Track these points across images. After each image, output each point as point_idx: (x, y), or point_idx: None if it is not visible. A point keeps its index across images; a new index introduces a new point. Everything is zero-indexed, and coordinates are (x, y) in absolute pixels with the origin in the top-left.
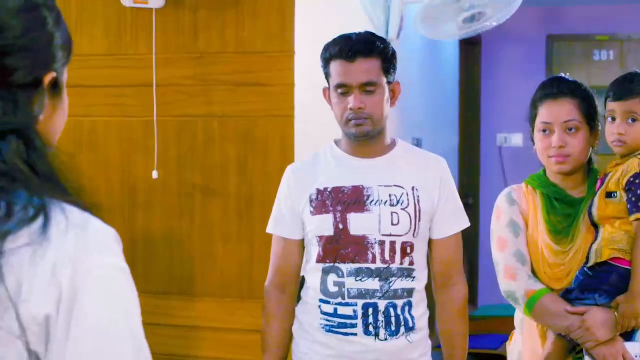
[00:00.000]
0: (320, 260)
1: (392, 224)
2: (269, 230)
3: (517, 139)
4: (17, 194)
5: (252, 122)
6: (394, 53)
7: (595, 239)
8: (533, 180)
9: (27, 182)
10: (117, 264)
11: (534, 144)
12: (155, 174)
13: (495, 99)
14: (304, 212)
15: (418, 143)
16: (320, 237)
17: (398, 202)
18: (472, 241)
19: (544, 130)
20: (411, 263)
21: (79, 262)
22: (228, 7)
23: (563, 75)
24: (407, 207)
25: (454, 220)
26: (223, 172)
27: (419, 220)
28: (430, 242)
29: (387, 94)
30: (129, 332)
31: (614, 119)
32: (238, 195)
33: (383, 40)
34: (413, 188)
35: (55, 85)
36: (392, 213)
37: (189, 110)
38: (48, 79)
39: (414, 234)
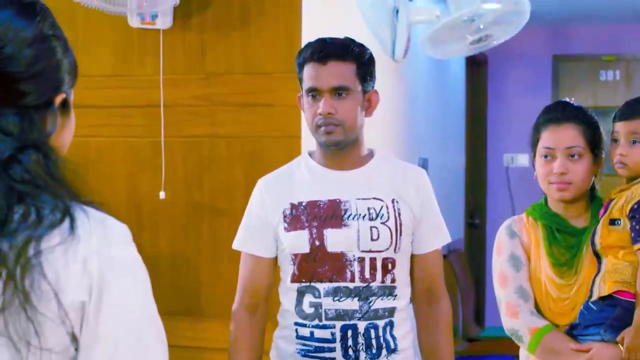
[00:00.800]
0: (295, 279)
1: (372, 239)
2: (235, 246)
3: (523, 159)
4: (42, 199)
5: (259, 143)
6: (371, 59)
7: (598, 270)
8: (534, 210)
9: (49, 188)
10: (134, 254)
11: (534, 169)
12: (162, 195)
13: (501, 119)
14: (278, 228)
15: (424, 163)
16: (295, 255)
17: (377, 216)
18: (479, 261)
19: (546, 156)
20: (393, 280)
21: (103, 254)
22: (235, 28)
23: (568, 100)
24: (387, 221)
25: (435, 234)
26: (230, 192)
27: (400, 235)
28: (411, 257)
29: (361, 102)
30: (150, 312)
31: (616, 141)
32: None
33: (360, 45)
34: (393, 200)
35: (64, 105)
36: (371, 227)
37: (196, 130)
38: (58, 99)
39: (395, 249)
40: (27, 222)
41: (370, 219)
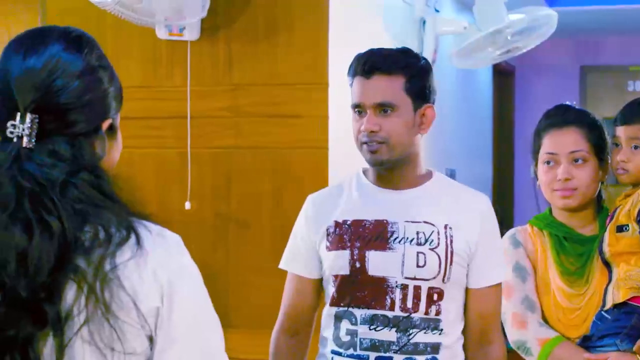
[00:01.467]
0: (334, 303)
1: (418, 266)
2: (281, 265)
3: None
4: (104, 217)
5: (286, 154)
6: (424, 71)
7: (610, 279)
8: (538, 220)
9: (106, 206)
10: (191, 260)
11: (537, 178)
12: (188, 205)
13: (528, 130)
14: (320, 247)
15: (452, 174)
16: (335, 277)
17: (426, 241)
18: None
19: (548, 162)
20: (438, 312)
21: (168, 264)
22: (262, 39)
23: (570, 103)
24: (436, 247)
25: (494, 268)
26: (256, 203)
27: (451, 264)
28: (466, 291)
29: (411, 118)
30: (212, 311)
31: (617, 145)
32: (272, 227)
33: (413, 57)
34: (446, 226)
35: (111, 128)
36: (418, 253)
37: (223, 141)
38: (105, 125)
39: (443, 279)
40: (98, 241)
41: (418, 244)
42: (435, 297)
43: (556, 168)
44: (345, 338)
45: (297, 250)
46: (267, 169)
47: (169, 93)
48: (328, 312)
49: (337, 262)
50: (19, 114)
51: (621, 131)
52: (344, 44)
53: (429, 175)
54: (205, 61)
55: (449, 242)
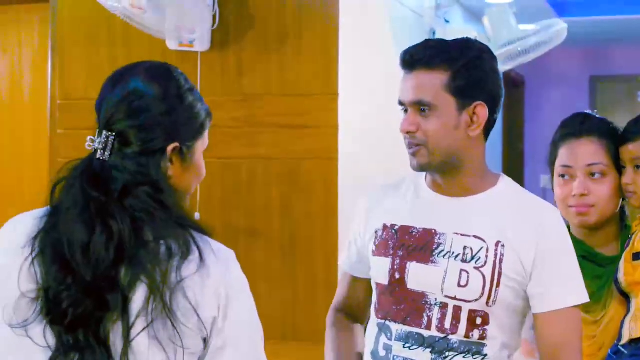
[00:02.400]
0: (376, 313)
1: (459, 285)
2: (339, 262)
3: None
4: (161, 227)
5: (296, 164)
6: (475, 65)
7: (628, 310)
8: None
9: (162, 217)
10: (242, 274)
11: (553, 191)
12: (197, 215)
13: (538, 140)
14: (369, 249)
15: None
16: (377, 285)
17: (472, 258)
18: None
19: (563, 175)
20: (482, 337)
21: (226, 278)
22: (272, 49)
23: (589, 111)
24: (482, 267)
25: (560, 290)
26: (267, 213)
27: (497, 286)
28: (534, 317)
29: (454, 119)
30: (257, 317)
31: (624, 167)
32: (281, 237)
33: (466, 48)
34: (497, 243)
35: (181, 152)
36: (461, 271)
37: (233, 151)
38: (170, 148)
39: (488, 302)
40: (162, 254)
41: (463, 261)
42: (478, 320)
43: (572, 182)
44: (382, 353)
45: (349, 247)
46: (276, 179)
47: None
48: (372, 320)
49: (379, 270)
50: (98, 131)
51: (623, 151)
52: (354, 55)
53: (493, 182)
54: (215, 72)
55: (497, 261)
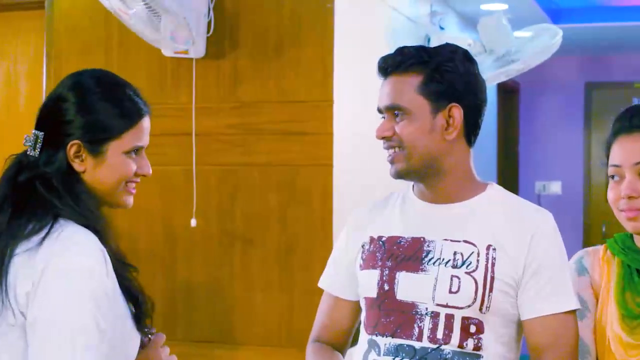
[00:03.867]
0: (364, 329)
1: (450, 291)
2: (319, 283)
3: (555, 187)
4: (32, 209)
5: (292, 171)
6: (449, 66)
7: None
8: (615, 242)
9: (42, 199)
10: (82, 264)
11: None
12: (193, 222)
13: (533, 147)
14: (356, 265)
15: None
16: (366, 299)
17: (463, 264)
18: None
19: (613, 176)
20: (477, 347)
21: (51, 261)
22: (268, 57)
23: None
24: (473, 271)
25: (551, 296)
26: (263, 221)
27: (490, 291)
28: (522, 325)
29: (428, 123)
30: (78, 315)
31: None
32: (277, 244)
33: (440, 50)
34: (489, 247)
35: (93, 148)
36: (452, 277)
37: (229, 159)
38: (70, 146)
39: (481, 308)
40: (13, 229)
41: (454, 267)
42: (472, 329)
43: (622, 183)
44: None
45: (334, 267)
46: (272, 186)
47: (174, 110)
48: (361, 338)
49: (367, 283)
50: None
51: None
52: (350, 62)
53: (481, 188)
54: (210, 79)
55: (489, 265)
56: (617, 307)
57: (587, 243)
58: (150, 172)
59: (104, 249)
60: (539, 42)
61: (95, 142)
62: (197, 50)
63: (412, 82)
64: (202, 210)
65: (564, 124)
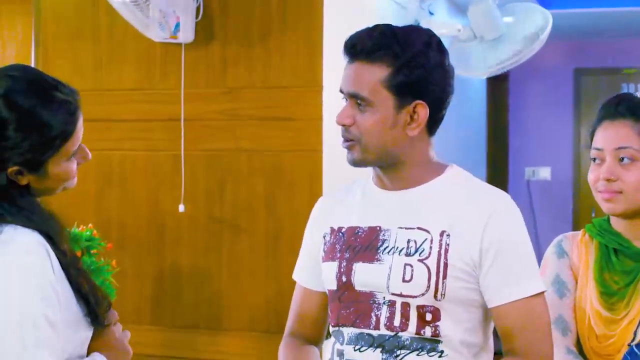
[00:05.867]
0: (330, 320)
1: (404, 280)
2: (293, 275)
3: (545, 173)
4: None
5: (279, 157)
6: (420, 62)
7: None
8: (593, 226)
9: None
10: (23, 261)
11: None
12: (181, 208)
13: (523, 133)
14: (319, 256)
15: None
16: (329, 291)
17: (416, 251)
18: None
19: (594, 159)
20: (435, 334)
21: None
22: (256, 42)
23: (632, 92)
24: (426, 259)
25: (516, 280)
26: (250, 207)
27: (444, 277)
28: (490, 312)
29: (390, 117)
30: (15, 310)
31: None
32: (265, 230)
33: (412, 40)
34: (442, 233)
35: (34, 169)
36: (405, 265)
37: (217, 144)
38: (10, 172)
39: (436, 295)
40: None
41: (407, 255)
42: (428, 317)
43: (602, 166)
44: (335, 359)
45: (303, 258)
46: (261, 172)
47: (162, 96)
48: (330, 329)
49: (327, 275)
50: None
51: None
52: (338, 47)
53: (439, 171)
54: (199, 64)
55: (442, 251)
56: (595, 286)
57: (576, 227)
58: (90, 156)
59: (49, 248)
60: (529, 26)
61: (35, 164)
62: (186, 35)
63: (378, 73)
64: (189, 195)
65: (553, 110)
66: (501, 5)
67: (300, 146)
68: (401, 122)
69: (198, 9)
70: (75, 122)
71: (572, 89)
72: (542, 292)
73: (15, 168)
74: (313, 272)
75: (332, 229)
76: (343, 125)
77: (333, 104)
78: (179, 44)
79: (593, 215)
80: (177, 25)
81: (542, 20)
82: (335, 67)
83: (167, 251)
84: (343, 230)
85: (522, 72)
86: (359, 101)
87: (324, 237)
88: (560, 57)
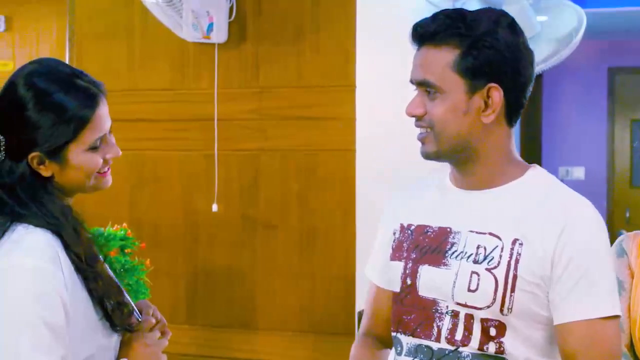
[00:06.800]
0: (392, 325)
1: (469, 290)
2: (365, 271)
3: (579, 172)
4: (1, 222)
5: (312, 156)
6: (492, 41)
7: None
8: None
9: (8, 211)
10: (28, 264)
11: None
12: (215, 207)
13: (556, 132)
14: (388, 254)
15: None
16: (393, 293)
17: (485, 259)
18: None
19: None
20: (500, 351)
21: None
22: (289, 42)
23: None
24: (494, 268)
25: (586, 297)
26: (284, 206)
27: (512, 290)
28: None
29: (462, 103)
30: (25, 317)
31: None
32: (299, 229)
33: (482, 20)
34: (514, 241)
35: (54, 156)
36: (472, 273)
37: (250, 144)
38: (30, 157)
39: (502, 309)
40: None
41: (475, 262)
42: (492, 331)
43: None
44: None
45: (374, 254)
46: (294, 171)
47: (196, 96)
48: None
49: (393, 276)
50: None
51: None
52: (371, 46)
53: (519, 173)
54: (232, 64)
55: (513, 261)
56: None
57: (610, 228)
58: (120, 153)
59: (59, 249)
60: (564, 26)
61: (54, 150)
62: (219, 35)
63: (446, 56)
64: (223, 195)
65: (586, 109)
66: (534, 3)
67: (333, 145)
68: (474, 107)
69: (231, 9)
70: (94, 107)
71: (606, 88)
72: (616, 317)
73: (35, 154)
74: (381, 268)
75: (402, 226)
76: (414, 116)
77: (366, 103)
78: (212, 44)
79: (627, 215)
80: (211, 25)
81: (576, 20)
82: (368, 66)
83: (201, 250)
84: (412, 227)
85: (555, 72)
86: (428, 89)
87: (394, 233)
88: (594, 56)
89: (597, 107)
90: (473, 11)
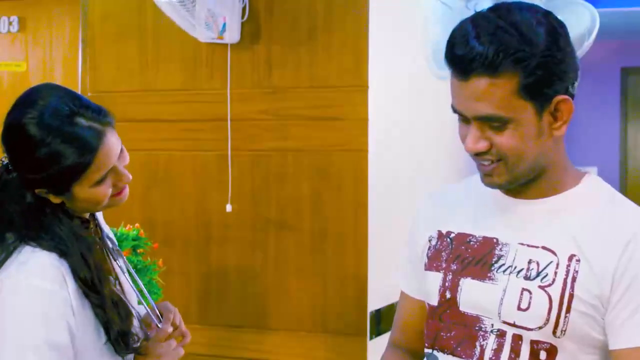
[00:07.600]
0: (425, 339)
1: (519, 308)
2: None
3: (591, 172)
4: (6, 235)
5: (326, 157)
6: (550, 57)
7: None
8: None
9: (14, 225)
10: (36, 285)
11: None
12: (229, 207)
13: (569, 133)
14: (422, 262)
15: None
16: (428, 306)
17: (538, 275)
18: None
19: None
20: None
21: (3, 282)
22: (302, 42)
23: None
24: (549, 286)
25: (636, 322)
26: (297, 206)
27: (567, 311)
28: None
29: (534, 126)
30: (29, 339)
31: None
32: (312, 230)
33: (533, 36)
34: (571, 257)
35: (59, 193)
36: (522, 290)
37: (263, 144)
38: (38, 192)
39: (555, 331)
40: None
41: (527, 278)
42: (543, 355)
43: None
44: None
45: (404, 261)
46: (307, 172)
47: (209, 96)
48: (425, 351)
49: (430, 288)
50: None
51: None
52: (384, 46)
53: (574, 182)
54: (245, 64)
55: (569, 279)
56: None
57: None
58: (130, 178)
59: (65, 271)
60: (577, 25)
61: (59, 189)
62: (232, 36)
63: (508, 84)
64: (236, 195)
65: (599, 109)
66: (547, 3)
67: (346, 146)
68: (545, 125)
69: (244, 9)
70: (97, 148)
71: (619, 88)
72: None
73: (42, 190)
74: (413, 276)
75: (440, 233)
76: (478, 154)
77: (379, 103)
78: (225, 44)
79: None
80: (224, 25)
81: (589, 20)
82: (381, 67)
83: (214, 250)
84: (452, 235)
85: None
86: (493, 124)
87: (430, 240)
88: (607, 56)
89: (610, 107)
90: (517, 21)
